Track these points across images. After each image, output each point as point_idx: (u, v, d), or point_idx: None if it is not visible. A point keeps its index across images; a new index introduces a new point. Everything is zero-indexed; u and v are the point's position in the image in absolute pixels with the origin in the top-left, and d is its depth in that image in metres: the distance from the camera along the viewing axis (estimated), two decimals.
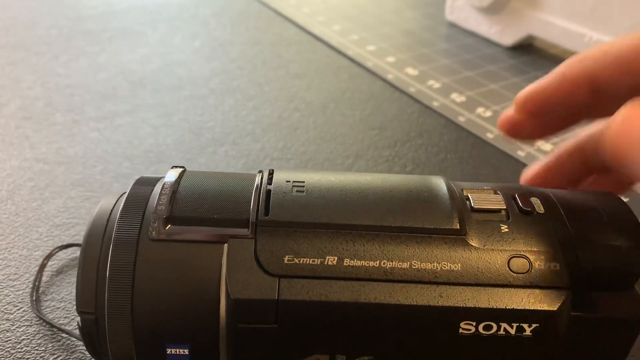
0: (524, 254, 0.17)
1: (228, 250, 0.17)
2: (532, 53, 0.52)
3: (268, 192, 0.18)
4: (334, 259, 0.17)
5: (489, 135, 0.39)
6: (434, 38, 0.54)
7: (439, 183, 0.19)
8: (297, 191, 0.18)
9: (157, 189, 0.19)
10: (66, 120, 0.39)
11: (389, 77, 0.46)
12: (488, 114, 0.42)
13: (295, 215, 0.18)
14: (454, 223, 0.18)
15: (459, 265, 0.17)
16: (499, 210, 0.18)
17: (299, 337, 0.17)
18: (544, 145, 0.38)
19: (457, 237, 0.17)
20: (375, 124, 0.40)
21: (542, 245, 0.17)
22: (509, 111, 0.22)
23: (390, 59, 0.49)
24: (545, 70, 0.50)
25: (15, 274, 0.27)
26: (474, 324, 0.17)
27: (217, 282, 0.17)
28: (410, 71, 0.47)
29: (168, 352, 0.17)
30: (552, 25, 0.48)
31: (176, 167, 0.20)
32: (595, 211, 0.18)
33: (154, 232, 0.17)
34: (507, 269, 0.17)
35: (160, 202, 0.18)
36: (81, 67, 0.45)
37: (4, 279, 0.27)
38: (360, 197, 0.19)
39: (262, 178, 0.19)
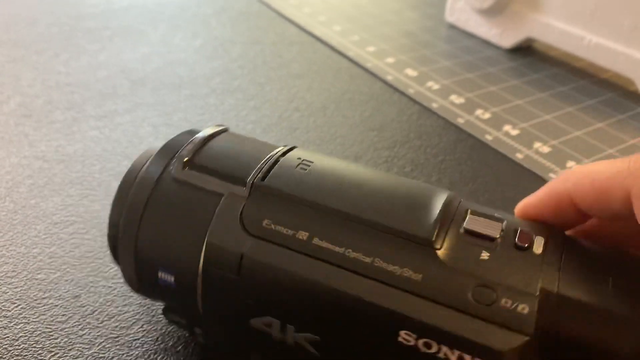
0: (493, 285, 0.16)
1: (223, 202, 0.19)
2: (531, 55, 0.52)
3: (276, 161, 0.20)
4: (305, 235, 0.18)
5: (488, 137, 0.39)
6: (433, 39, 0.54)
7: (442, 196, 0.19)
8: (300, 167, 0.20)
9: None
10: (66, 118, 0.39)
11: (389, 78, 0.46)
12: (487, 115, 0.42)
13: (287, 186, 0.19)
14: (430, 234, 0.17)
15: (420, 275, 0.17)
16: (490, 238, 0.17)
17: (256, 295, 0.18)
18: (543, 147, 0.39)
19: (429, 249, 0.17)
20: (374, 125, 0.40)
21: (518, 283, 0.16)
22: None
23: (390, 60, 0.49)
24: (545, 72, 0.50)
25: (13, 271, 0.27)
26: (415, 337, 0.16)
27: (206, 228, 0.19)
28: (410, 72, 0.47)
29: (159, 276, 0.20)
30: (551, 27, 0.48)
31: (219, 125, 0.23)
32: (602, 272, 0.17)
33: (173, 171, 0.20)
34: (469, 295, 0.16)
35: (187, 147, 0.21)
36: (81, 65, 0.45)
37: (1, 276, 0.27)
38: (354, 186, 0.19)
39: (282, 151, 0.21)
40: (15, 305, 0.25)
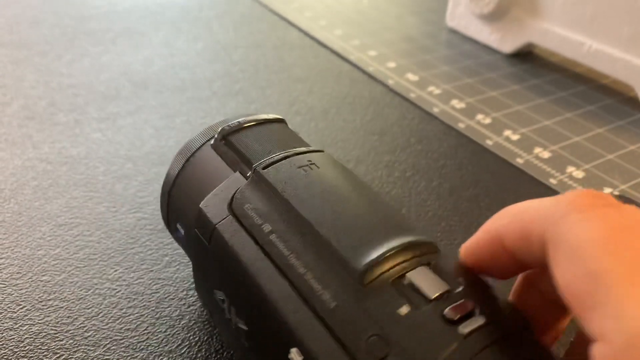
0: (390, 342, 0.15)
1: (229, 178, 0.22)
2: (531, 61, 0.52)
3: (284, 158, 0.21)
4: (268, 229, 0.19)
5: (489, 142, 0.40)
6: (434, 44, 0.54)
7: (406, 239, 0.18)
8: (303, 169, 0.21)
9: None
10: (69, 120, 0.39)
11: (390, 82, 0.47)
12: (488, 120, 0.42)
13: (278, 181, 0.20)
14: (363, 269, 0.16)
15: (334, 304, 0.16)
16: (424, 296, 0.16)
17: (217, 267, 0.20)
18: (543, 152, 0.39)
19: (356, 283, 0.16)
20: (375, 129, 0.41)
21: (416, 352, 0.15)
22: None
23: (391, 65, 0.50)
24: (545, 77, 0.51)
25: (18, 272, 0.27)
26: (301, 358, 0.16)
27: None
28: (411, 77, 0.48)
29: (177, 226, 0.24)
30: (551, 33, 0.48)
31: (277, 116, 0.25)
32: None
33: (212, 141, 0.24)
34: (363, 341, 0.15)
35: (232, 125, 0.24)
36: (84, 67, 0.46)
37: (7, 278, 0.27)
38: (334, 202, 0.19)
39: (303, 150, 0.22)
40: (21, 306, 0.25)
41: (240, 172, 0.22)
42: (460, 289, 0.16)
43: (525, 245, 0.16)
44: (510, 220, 0.16)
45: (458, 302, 0.16)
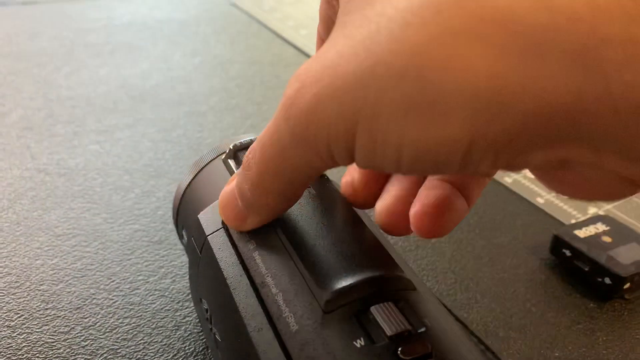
0: None
1: None
2: None
3: None
4: (253, 245, 0.20)
5: (507, 179, 0.41)
6: None
7: (389, 274, 0.18)
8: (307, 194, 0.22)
9: None
10: (67, 131, 0.39)
11: None
12: None
13: None
14: (326, 297, 0.17)
15: (296, 327, 0.17)
16: (384, 333, 0.16)
17: (203, 276, 0.21)
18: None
19: (322, 312, 0.17)
20: None
21: None
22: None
23: None
24: None
25: (16, 282, 0.28)
26: None
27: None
28: None
29: (183, 233, 0.25)
30: None
31: None
32: None
33: (223, 155, 0.24)
34: None
35: (243, 142, 0.24)
36: (82, 80, 0.46)
37: (5, 287, 0.27)
38: (320, 227, 0.20)
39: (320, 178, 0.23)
40: (19, 315, 0.26)
41: None
42: (422, 329, 0.16)
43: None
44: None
45: (414, 343, 0.15)
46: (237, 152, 0.25)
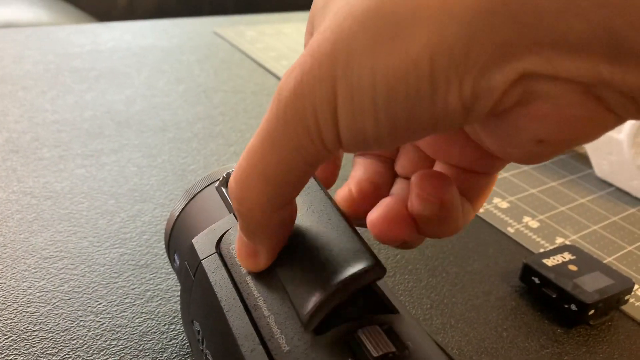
0: None
1: (224, 219, 0.23)
2: None
3: None
4: (244, 271, 0.21)
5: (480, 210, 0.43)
6: None
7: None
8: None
9: None
10: (53, 155, 0.40)
11: None
12: None
13: None
14: (307, 317, 0.18)
15: (287, 348, 0.18)
16: (369, 355, 0.17)
17: (196, 299, 0.22)
18: (501, 202, 0.42)
19: (313, 334, 0.18)
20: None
21: None
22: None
23: None
24: None
25: (3, 303, 0.28)
26: None
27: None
28: None
29: (174, 256, 0.26)
30: None
31: None
32: None
33: (217, 184, 0.26)
34: None
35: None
36: (68, 104, 0.47)
37: None
38: (308, 251, 0.20)
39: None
40: (6, 337, 0.26)
41: (234, 215, 0.24)
42: (406, 352, 0.17)
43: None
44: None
45: None
46: (228, 180, 0.26)
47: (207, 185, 0.27)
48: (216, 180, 0.27)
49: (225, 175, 0.26)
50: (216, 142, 0.45)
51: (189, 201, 0.27)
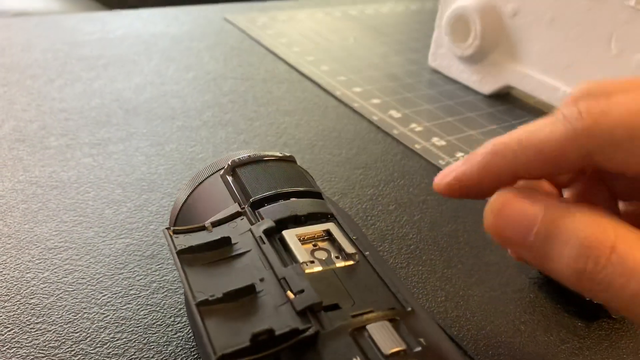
0: None
1: (229, 208, 0.23)
2: (509, 102, 0.54)
3: (276, 196, 0.23)
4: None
5: None
6: (417, 83, 0.56)
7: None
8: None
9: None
10: (60, 144, 0.39)
11: (374, 118, 0.48)
12: None
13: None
14: (307, 321, 0.17)
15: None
16: (379, 352, 0.16)
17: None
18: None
19: (308, 337, 0.17)
20: (360, 163, 0.42)
21: None
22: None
23: (376, 101, 0.51)
24: (522, 119, 0.53)
25: (6, 295, 0.27)
26: None
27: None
28: (394, 114, 0.49)
29: None
30: (529, 77, 0.51)
31: (286, 154, 0.27)
32: None
33: (222, 171, 0.25)
34: None
35: (242, 158, 0.25)
36: (76, 92, 0.46)
37: None
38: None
39: (300, 191, 0.24)
40: (8, 329, 0.26)
41: (238, 204, 0.23)
42: (419, 349, 0.16)
43: (554, 166, 0.19)
44: (523, 153, 0.19)
45: None
46: (235, 169, 0.25)
47: (212, 174, 0.26)
48: (221, 169, 0.26)
49: (231, 163, 0.25)
50: (225, 130, 0.44)
51: (194, 189, 0.26)
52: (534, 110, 0.54)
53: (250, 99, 0.49)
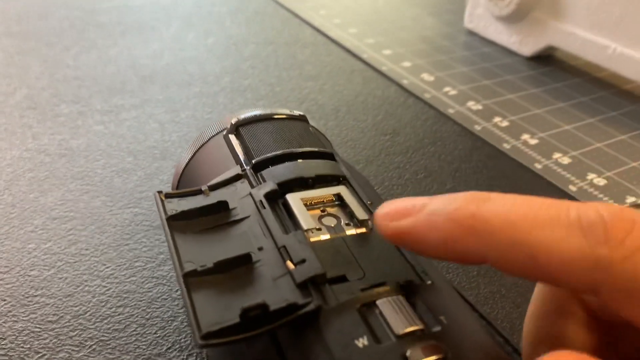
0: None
1: (230, 170, 0.21)
2: (552, 64, 0.50)
3: (282, 157, 0.21)
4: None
5: (506, 146, 0.38)
6: (452, 45, 0.53)
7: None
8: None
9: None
10: (71, 111, 0.38)
11: (404, 82, 0.45)
12: (505, 123, 0.40)
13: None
14: (308, 295, 0.15)
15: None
16: (393, 332, 0.14)
17: None
18: (562, 158, 0.37)
19: (307, 313, 0.14)
20: (387, 129, 0.39)
21: None
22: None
23: (406, 64, 0.48)
24: (566, 81, 0.48)
25: (5, 266, 0.26)
26: None
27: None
28: (426, 77, 0.46)
29: None
30: (574, 36, 0.47)
31: (297, 112, 0.24)
32: None
33: (224, 132, 0.23)
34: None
35: (246, 117, 0.23)
36: (91, 60, 0.45)
37: None
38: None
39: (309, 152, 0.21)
40: (5, 302, 0.24)
41: (240, 166, 0.21)
42: (438, 328, 0.14)
43: (547, 279, 0.13)
44: (510, 252, 0.13)
45: (427, 344, 0.13)
46: (238, 128, 0.23)
47: (216, 134, 0.24)
48: (225, 129, 0.23)
49: (234, 122, 0.23)
50: (244, 96, 0.42)
51: (197, 151, 0.24)
52: (579, 72, 0.49)
53: (272, 64, 0.46)
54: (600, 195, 0.34)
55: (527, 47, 0.51)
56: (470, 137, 0.39)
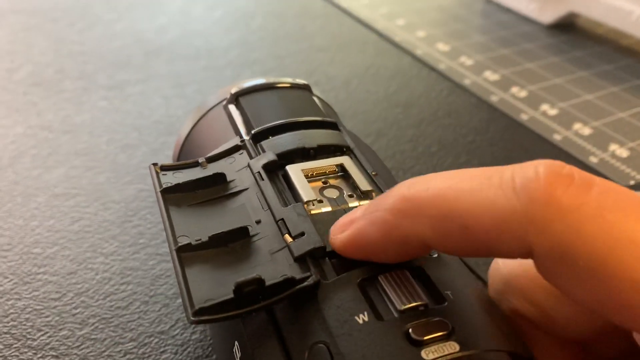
0: (335, 354, 0.12)
1: (230, 141, 0.20)
2: (573, 32, 0.48)
3: (281, 127, 0.19)
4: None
5: (524, 117, 0.36)
6: (468, 14, 0.51)
7: None
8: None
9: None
10: (76, 87, 0.37)
11: (418, 52, 0.43)
12: (523, 93, 0.39)
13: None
14: (306, 269, 0.14)
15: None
16: (394, 307, 0.13)
17: None
18: (583, 128, 0.35)
19: (305, 288, 0.13)
20: (400, 101, 0.38)
21: None
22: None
23: (421, 34, 0.46)
24: (588, 49, 0.46)
25: (8, 244, 0.25)
26: (239, 355, 0.15)
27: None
28: (442, 47, 0.44)
29: None
30: (596, 1, 0.44)
31: (300, 81, 0.24)
32: None
33: (225, 102, 0.22)
34: (305, 343, 0.13)
35: (246, 86, 0.22)
36: (96, 35, 0.44)
37: None
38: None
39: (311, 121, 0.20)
40: (8, 280, 0.24)
41: (239, 136, 0.20)
42: (444, 304, 0.13)
43: (483, 251, 0.12)
44: (442, 225, 0.12)
45: (431, 320, 0.12)
46: (238, 97, 0.22)
47: (217, 104, 0.23)
48: (225, 99, 0.22)
49: (233, 92, 0.22)
50: (252, 69, 0.40)
51: (197, 122, 0.23)
52: (602, 39, 0.47)
53: (281, 36, 0.45)
54: (623, 167, 0.32)
55: (547, 14, 0.48)
56: (487, 109, 0.37)
